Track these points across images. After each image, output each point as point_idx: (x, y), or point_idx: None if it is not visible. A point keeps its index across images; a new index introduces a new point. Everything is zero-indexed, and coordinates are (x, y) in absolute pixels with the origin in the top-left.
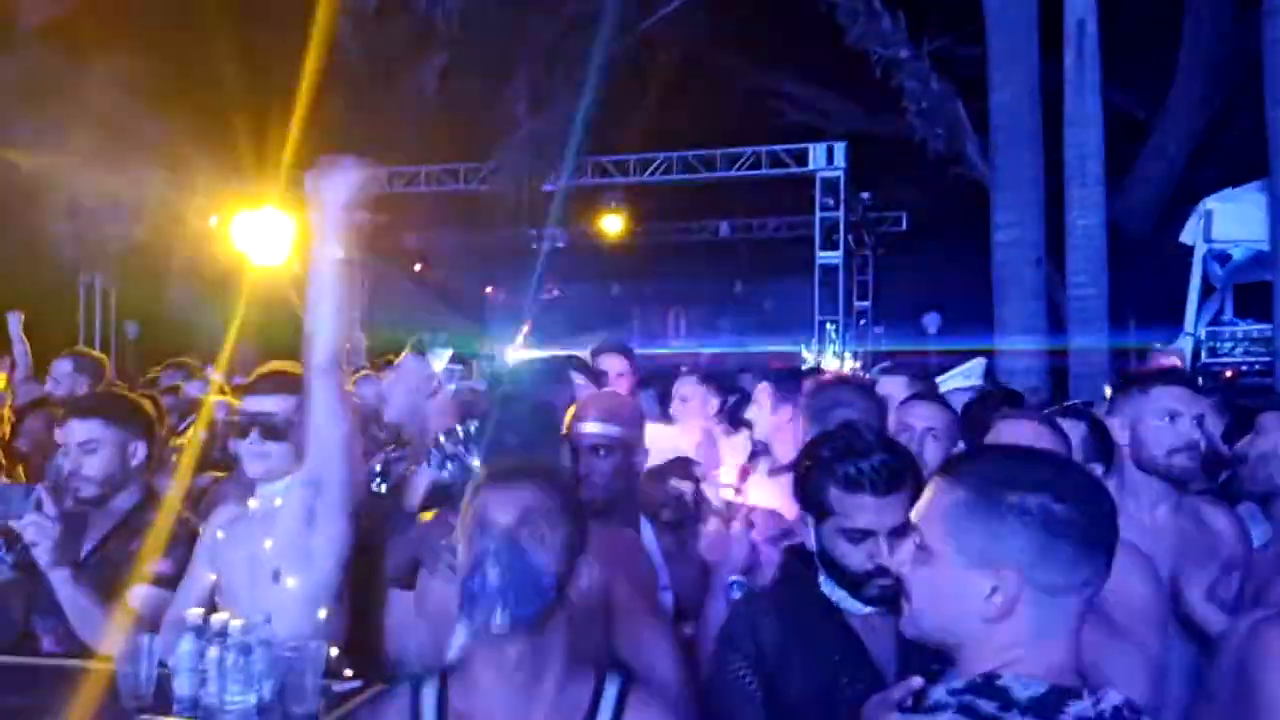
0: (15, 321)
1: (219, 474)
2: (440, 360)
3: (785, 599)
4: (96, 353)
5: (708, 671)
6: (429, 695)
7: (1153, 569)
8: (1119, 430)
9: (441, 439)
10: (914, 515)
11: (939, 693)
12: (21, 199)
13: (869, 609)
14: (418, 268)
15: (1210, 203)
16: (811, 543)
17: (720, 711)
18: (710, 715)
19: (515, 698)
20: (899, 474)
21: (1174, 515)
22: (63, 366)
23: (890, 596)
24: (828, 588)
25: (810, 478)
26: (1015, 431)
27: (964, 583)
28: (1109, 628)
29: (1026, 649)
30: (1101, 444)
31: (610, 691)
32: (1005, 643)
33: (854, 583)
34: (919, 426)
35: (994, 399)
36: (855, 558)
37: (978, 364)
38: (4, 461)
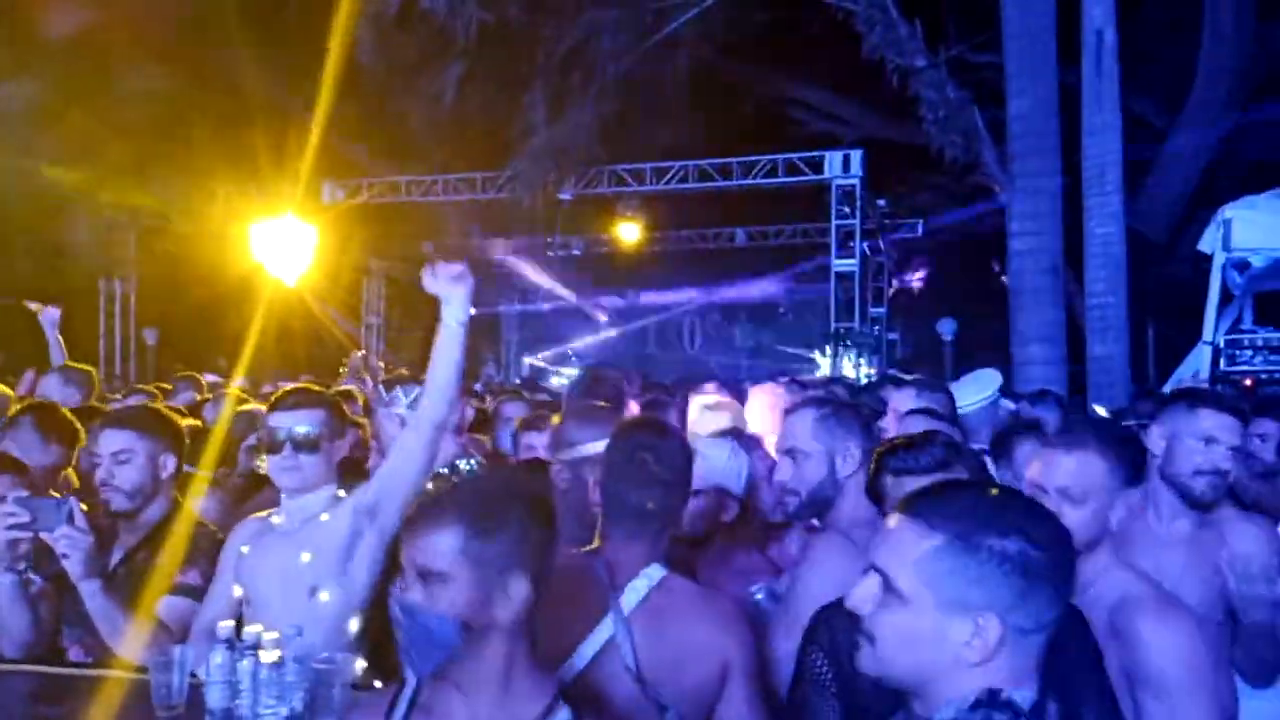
0: (51, 321)
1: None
2: (402, 406)
3: None
4: (83, 365)
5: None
6: (407, 691)
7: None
8: (1156, 439)
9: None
10: (878, 557)
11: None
12: (46, 207)
13: None
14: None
15: (1229, 211)
16: None
17: (796, 701)
18: (788, 704)
19: (463, 701)
20: (945, 462)
21: (1195, 529)
22: (50, 383)
23: None
24: None
25: (875, 471)
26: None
27: (941, 628)
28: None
29: (1005, 685)
30: (1134, 459)
31: (560, 716)
32: (982, 682)
33: None
34: None
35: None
36: None
37: (988, 375)
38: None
